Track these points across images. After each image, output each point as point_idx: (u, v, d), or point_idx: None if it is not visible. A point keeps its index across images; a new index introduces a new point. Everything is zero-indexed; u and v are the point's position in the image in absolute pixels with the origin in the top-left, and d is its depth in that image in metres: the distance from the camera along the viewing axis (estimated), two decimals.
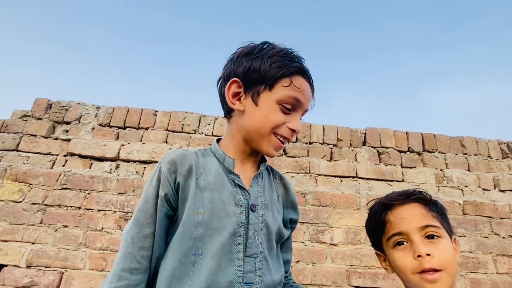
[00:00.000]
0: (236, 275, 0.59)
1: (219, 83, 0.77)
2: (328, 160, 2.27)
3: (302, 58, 0.72)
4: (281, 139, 0.69)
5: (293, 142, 2.30)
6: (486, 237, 2.02)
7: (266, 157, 0.77)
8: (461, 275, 1.90)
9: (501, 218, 2.07)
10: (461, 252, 1.94)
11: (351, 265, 1.86)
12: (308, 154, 2.27)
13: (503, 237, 2.03)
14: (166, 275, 0.60)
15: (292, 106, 0.69)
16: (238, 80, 0.71)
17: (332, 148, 2.32)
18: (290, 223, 0.79)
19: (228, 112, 0.77)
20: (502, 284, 1.91)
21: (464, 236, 2.01)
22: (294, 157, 2.25)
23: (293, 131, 0.69)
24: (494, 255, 1.98)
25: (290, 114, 0.69)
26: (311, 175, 2.20)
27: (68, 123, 2.18)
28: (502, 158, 2.41)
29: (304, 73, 0.71)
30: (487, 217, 2.07)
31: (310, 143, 2.31)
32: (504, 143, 2.46)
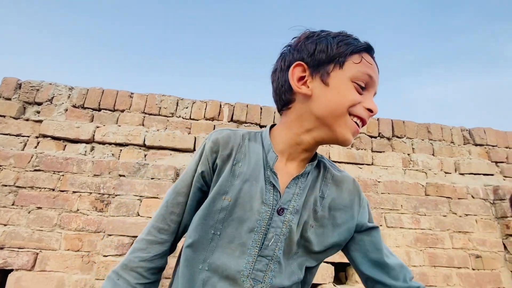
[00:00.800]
0: (246, 268, 0.59)
1: (276, 74, 0.69)
2: None
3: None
4: (358, 121, 0.62)
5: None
6: (445, 216, 2.17)
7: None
8: (421, 250, 2.05)
9: (459, 199, 2.23)
10: (421, 229, 2.09)
11: None
12: None
13: (460, 216, 2.19)
14: (187, 243, 0.64)
15: (365, 84, 0.62)
16: (302, 63, 0.64)
17: None
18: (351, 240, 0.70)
19: (286, 104, 0.68)
20: (457, 257, 2.08)
21: (425, 215, 2.15)
22: None
23: (370, 111, 0.62)
24: (451, 232, 2.14)
25: (363, 94, 0.62)
26: None
27: (39, 104, 2.10)
28: (464, 144, 2.57)
29: (372, 52, 0.65)
30: (446, 197, 2.22)
31: None
32: (467, 130, 2.62)
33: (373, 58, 0.65)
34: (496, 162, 2.52)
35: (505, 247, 2.16)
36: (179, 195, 0.67)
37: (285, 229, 0.61)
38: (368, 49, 0.64)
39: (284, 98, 0.67)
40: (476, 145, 2.56)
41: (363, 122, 0.62)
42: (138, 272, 0.63)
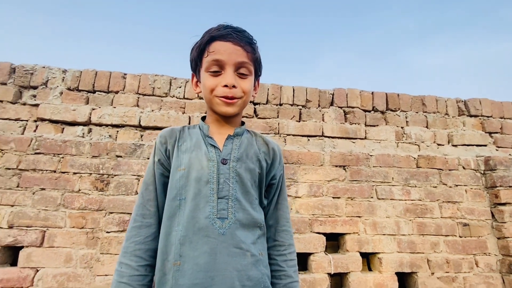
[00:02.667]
0: (211, 212, 0.72)
1: None
2: (297, 121, 2.29)
3: (224, 27, 0.80)
4: (222, 99, 0.79)
5: (263, 103, 2.29)
6: (435, 187, 2.17)
7: (243, 121, 0.92)
8: (410, 220, 2.07)
9: (450, 170, 2.21)
10: (411, 200, 2.10)
11: (313, 215, 1.99)
12: (278, 115, 2.28)
13: (450, 186, 2.19)
14: (164, 216, 0.76)
15: (218, 68, 0.78)
16: (192, 72, 0.90)
17: (301, 109, 2.33)
18: (271, 179, 0.87)
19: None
20: (445, 226, 2.10)
21: (415, 187, 2.15)
22: (265, 118, 2.26)
23: (226, 86, 0.77)
24: (440, 202, 2.15)
25: (220, 75, 0.79)
26: (280, 135, 2.24)
27: (35, 87, 2.07)
28: (459, 115, 2.50)
29: (218, 38, 0.79)
30: (437, 169, 2.20)
31: (280, 105, 2.31)
32: (462, 101, 2.54)
33: (222, 40, 0.78)
34: (490, 133, 2.47)
35: (492, 215, 2.17)
36: (149, 184, 0.81)
37: (233, 173, 0.77)
38: (212, 38, 0.79)
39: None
40: (471, 116, 2.49)
41: (227, 96, 0.78)
42: (137, 255, 0.73)
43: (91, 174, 1.90)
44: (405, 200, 2.11)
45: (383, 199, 2.09)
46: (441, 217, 2.12)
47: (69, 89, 2.09)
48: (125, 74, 2.18)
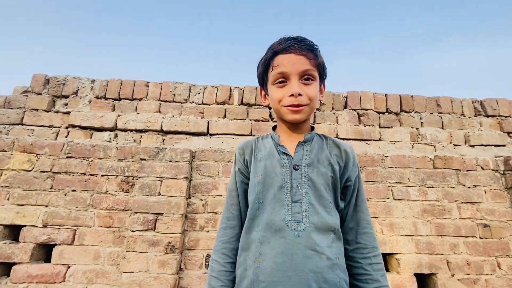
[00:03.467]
0: (286, 215, 0.76)
1: None
2: (311, 124, 2.32)
3: (285, 40, 0.84)
4: (289, 107, 0.81)
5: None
6: (453, 188, 2.13)
7: (313, 126, 0.94)
8: (428, 221, 2.04)
9: (467, 170, 2.17)
10: (428, 201, 2.07)
11: None
12: None
13: (468, 187, 2.14)
14: (247, 217, 0.82)
15: (282, 79, 0.82)
16: (260, 87, 0.94)
17: (315, 112, 2.36)
18: (346, 181, 0.87)
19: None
20: (464, 227, 2.06)
21: (432, 187, 2.12)
22: None
23: (292, 95, 0.80)
24: (458, 203, 2.11)
25: (286, 85, 0.82)
26: None
27: (66, 96, 2.21)
28: (475, 116, 2.46)
29: (281, 52, 0.82)
30: (455, 169, 2.17)
31: None
32: (478, 101, 2.49)
33: (284, 53, 0.82)
34: (509, 133, 2.40)
35: None
36: (231, 191, 0.90)
37: (305, 178, 0.80)
38: (275, 53, 0.83)
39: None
40: (488, 116, 2.44)
41: (293, 105, 0.81)
42: (223, 253, 0.82)
43: (117, 176, 1.99)
44: (422, 200, 2.09)
45: (399, 199, 2.08)
46: (460, 218, 2.08)
47: (97, 97, 2.22)
48: (147, 82, 2.29)
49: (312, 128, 0.92)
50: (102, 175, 1.99)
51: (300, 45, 0.81)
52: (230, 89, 2.33)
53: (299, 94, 0.79)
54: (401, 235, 2.00)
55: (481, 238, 2.06)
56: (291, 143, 0.87)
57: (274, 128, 0.96)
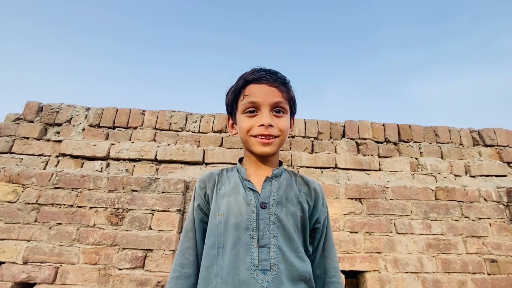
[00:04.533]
0: (252, 263, 0.65)
1: None
2: (309, 153, 2.25)
3: (258, 71, 0.80)
4: (259, 137, 0.75)
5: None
6: (457, 220, 2.03)
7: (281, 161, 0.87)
8: (433, 256, 1.91)
9: (471, 202, 2.08)
10: (433, 235, 1.96)
11: None
12: (290, 148, 2.25)
13: (473, 220, 2.04)
14: (202, 265, 0.71)
15: (253, 109, 0.76)
16: (228, 115, 0.90)
17: (313, 141, 2.30)
18: (314, 223, 0.79)
19: None
20: (471, 263, 1.93)
21: (436, 220, 2.01)
22: None
23: (262, 125, 0.75)
24: (464, 236, 1.99)
25: (256, 115, 0.76)
26: (293, 167, 2.19)
27: (59, 124, 2.13)
28: (474, 145, 2.41)
29: (253, 81, 0.78)
30: (457, 201, 2.07)
31: (292, 137, 2.29)
32: (475, 131, 2.46)
33: (257, 83, 0.77)
34: (508, 163, 2.35)
35: None
36: (188, 231, 0.78)
37: (273, 218, 0.71)
38: (247, 82, 0.78)
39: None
40: (486, 146, 2.40)
41: (263, 135, 0.75)
42: None
43: (106, 208, 1.86)
44: (426, 234, 1.97)
45: (403, 233, 1.96)
46: (466, 253, 1.96)
47: (91, 125, 2.14)
48: (144, 111, 2.23)
49: (281, 163, 0.85)
50: (91, 207, 1.86)
51: (273, 77, 0.78)
52: (228, 118, 2.28)
53: (270, 125, 0.74)
54: (406, 272, 1.87)
55: (489, 274, 1.92)
56: (258, 177, 0.79)
57: (240, 160, 0.87)
